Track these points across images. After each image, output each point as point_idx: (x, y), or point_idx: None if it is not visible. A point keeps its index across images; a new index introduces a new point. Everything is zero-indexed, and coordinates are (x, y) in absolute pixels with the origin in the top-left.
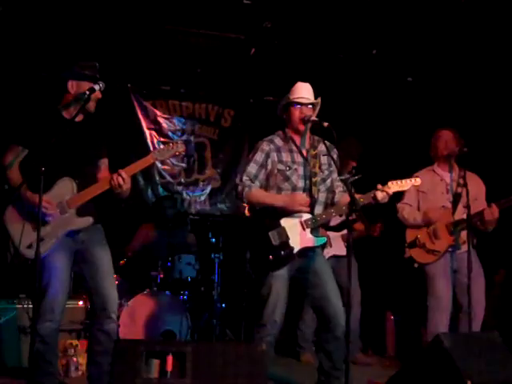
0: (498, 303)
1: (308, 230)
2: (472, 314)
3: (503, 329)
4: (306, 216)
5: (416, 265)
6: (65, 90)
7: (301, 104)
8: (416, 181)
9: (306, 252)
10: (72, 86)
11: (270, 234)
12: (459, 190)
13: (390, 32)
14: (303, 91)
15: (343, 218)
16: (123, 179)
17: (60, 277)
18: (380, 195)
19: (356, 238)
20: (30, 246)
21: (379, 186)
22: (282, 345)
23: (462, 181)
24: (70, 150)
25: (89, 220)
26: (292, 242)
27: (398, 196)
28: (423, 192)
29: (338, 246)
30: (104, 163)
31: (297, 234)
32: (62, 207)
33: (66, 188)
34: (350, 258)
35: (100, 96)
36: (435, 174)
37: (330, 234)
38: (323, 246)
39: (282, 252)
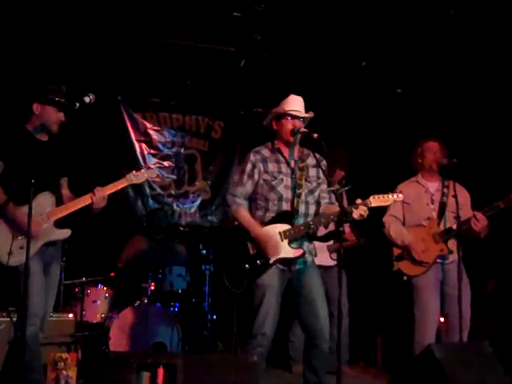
0: (489, 313)
1: (286, 241)
2: (462, 324)
3: (493, 338)
4: (286, 227)
5: (405, 277)
6: (30, 111)
7: (293, 117)
8: (398, 196)
9: (291, 263)
10: (37, 108)
11: (248, 243)
12: (444, 199)
13: (380, 44)
14: (297, 104)
15: (330, 228)
16: (103, 198)
17: (38, 282)
18: (356, 214)
19: (345, 248)
20: (10, 254)
21: (358, 201)
22: (274, 356)
23: (446, 190)
24: (45, 168)
25: (68, 232)
26: (269, 252)
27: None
28: (407, 203)
29: (323, 257)
30: (65, 181)
31: (275, 244)
32: (43, 219)
33: (46, 201)
34: (340, 268)
35: (64, 119)
36: (419, 184)
37: (316, 244)
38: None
39: (258, 261)
